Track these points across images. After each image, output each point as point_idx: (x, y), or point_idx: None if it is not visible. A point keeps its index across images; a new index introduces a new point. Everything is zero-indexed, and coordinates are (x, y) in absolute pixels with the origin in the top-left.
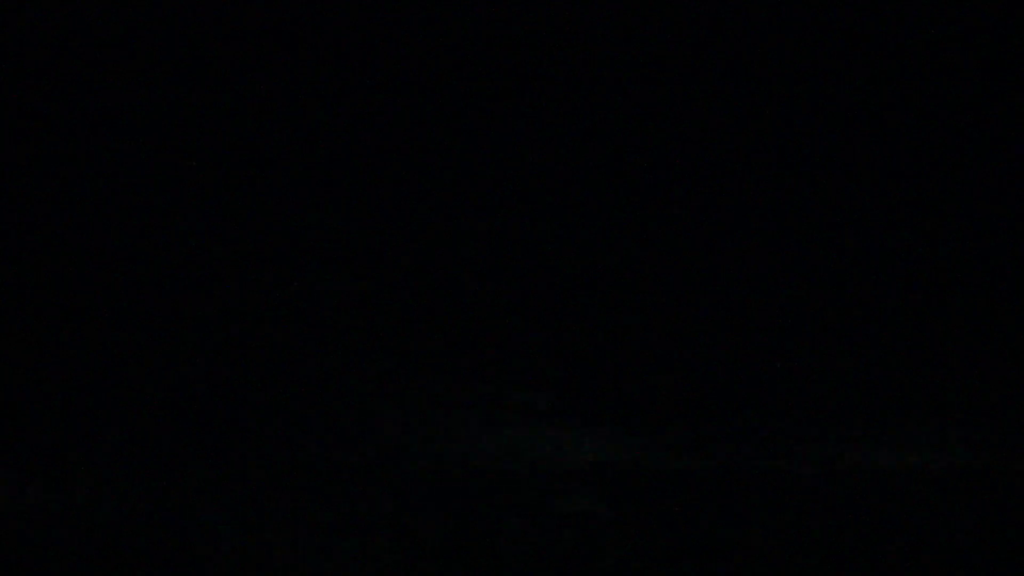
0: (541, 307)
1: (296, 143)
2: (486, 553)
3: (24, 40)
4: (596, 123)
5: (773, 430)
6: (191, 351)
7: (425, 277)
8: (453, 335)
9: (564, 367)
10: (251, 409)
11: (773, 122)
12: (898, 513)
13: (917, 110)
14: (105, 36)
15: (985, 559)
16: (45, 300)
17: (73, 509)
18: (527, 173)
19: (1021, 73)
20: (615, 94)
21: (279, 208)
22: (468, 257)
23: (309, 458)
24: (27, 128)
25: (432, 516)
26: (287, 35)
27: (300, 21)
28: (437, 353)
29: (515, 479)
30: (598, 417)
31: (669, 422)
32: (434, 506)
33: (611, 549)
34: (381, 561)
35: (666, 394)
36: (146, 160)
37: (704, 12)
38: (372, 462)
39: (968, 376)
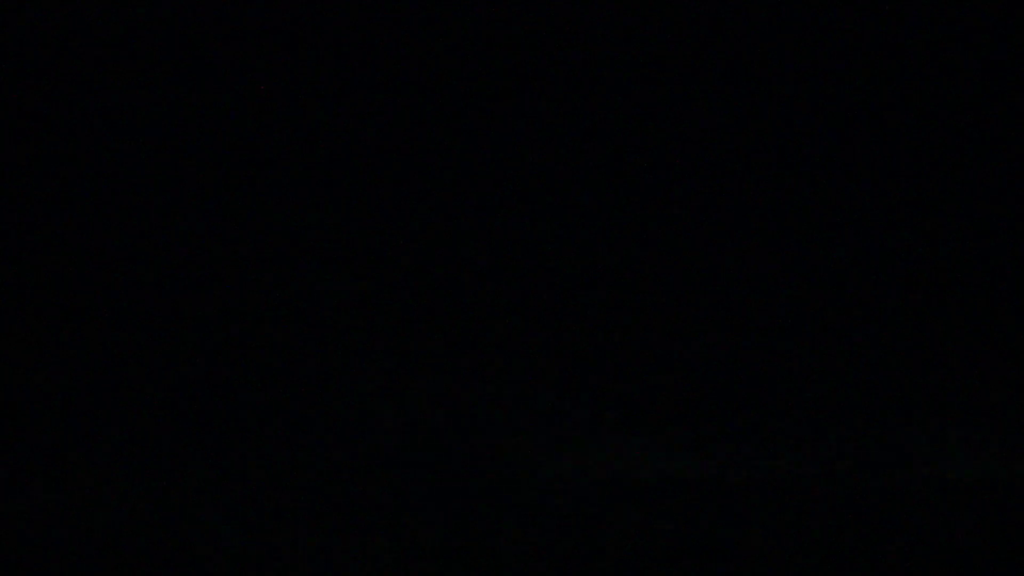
0: (541, 307)
1: (296, 143)
2: (486, 553)
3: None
4: (596, 123)
5: (773, 430)
6: (191, 351)
7: (425, 277)
8: (453, 335)
9: (565, 367)
10: (251, 409)
11: (773, 122)
12: (898, 513)
13: (917, 110)
14: (105, 36)
15: (985, 560)
16: (45, 300)
17: (73, 509)
18: (527, 173)
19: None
20: (615, 94)
21: (279, 208)
22: (468, 257)
23: (309, 458)
24: (27, 128)
25: (432, 516)
26: (287, 35)
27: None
28: (438, 353)
29: (515, 479)
30: (598, 417)
31: (669, 422)
32: (434, 506)
33: (611, 549)
34: (381, 561)
35: (666, 394)
36: (146, 160)
37: (704, 12)
38: (372, 462)
39: (968, 376)
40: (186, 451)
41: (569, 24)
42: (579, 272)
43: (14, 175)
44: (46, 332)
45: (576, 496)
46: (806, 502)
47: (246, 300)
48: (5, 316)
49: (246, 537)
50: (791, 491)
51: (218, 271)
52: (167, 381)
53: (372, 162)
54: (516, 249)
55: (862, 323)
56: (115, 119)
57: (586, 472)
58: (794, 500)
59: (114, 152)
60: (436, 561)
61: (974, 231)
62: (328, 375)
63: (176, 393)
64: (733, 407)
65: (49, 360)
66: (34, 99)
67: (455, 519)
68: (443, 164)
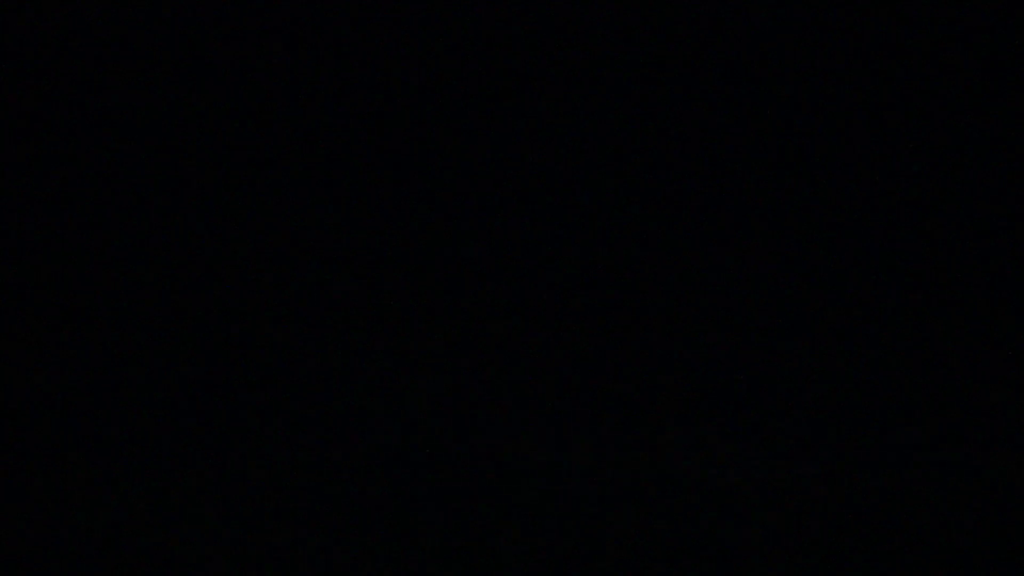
0: (541, 307)
1: (296, 143)
2: (486, 553)
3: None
4: (596, 123)
5: (773, 430)
6: (191, 351)
7: (425, 277)
8: (453, 335)
9: (564, 367)
10: (250, 409)
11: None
12: (898, 513)
13: (917, 110)
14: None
15: (985, 560)
16: (45, 300)
17: (73, 509)
18: (527, 173)
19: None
20: (615, 94)
21: (279, 208)
22: (468, 257)
23: (309, 458)
24: (27, 128)
25: (432, 516)
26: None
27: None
28: (437, 353)
29: (515, 479)
30: (598, 417)
31: (669, 422)
32: (434, 506)
33: (611, 549)
34: (381, 561)
35: (666, 394)
36: (146, 160)
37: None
38: (372, 462)
39: (968, 377)
40: (186, 451)
41: (569, 24)
42: (579, 272)
43: (14, 175)
44: (46, 332)
45: (576, 496)
46: (806, 502)
47: (246, 300)
48: (5, 316)
49: (246, 537)
50: (791, 491)
51: (218, 271)
52: (167, 381)
53: (372, 162)
54: (516, 249)
55: (862, 323)
56: (115, 119)
57: (586, 472)
58: (794, 500)
59: (114, 152)
60: (436, 561)
61: (974, 231)
62: (328, 375)
63: (176, 393)
64: (733, 407)
65: (49, 360)
66: (34, 99)
67: (455, 519)
68: (443, 164)
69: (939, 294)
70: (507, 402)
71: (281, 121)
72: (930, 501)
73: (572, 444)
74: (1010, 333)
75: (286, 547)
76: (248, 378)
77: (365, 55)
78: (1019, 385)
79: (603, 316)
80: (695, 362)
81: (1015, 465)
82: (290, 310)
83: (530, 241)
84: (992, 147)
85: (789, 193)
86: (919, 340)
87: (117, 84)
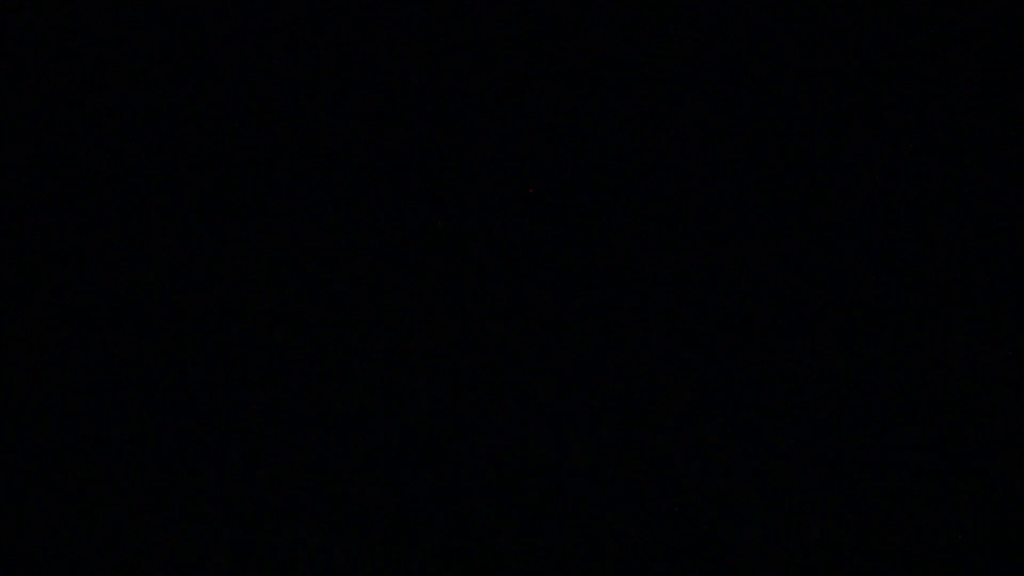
0: (540, 307)
1: (296, 143)
2: (486, 553)
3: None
4: (596, 123)
5: (773, 430)
6: (191, 351)
7: (425, 277)
8: (453, 335)
9: (565, 367)
10: (250, 409)
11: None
12: (898, 513)
13: (917, 110)
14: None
15: (985, 560)
16: (45, 300)
17: (73, 509)
18: (527, 173)
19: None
20: (615, 94)
21: (279, 208)
22: (468, 257)
23: (309, 458)
24: (27, 128)
25: (432, 516)
26: (287, 35)
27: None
28: (437, 353)
29: (515, 479)
30: (598, 417)
31: (669, 422)
32: (434, 506)
33: (611, 549)
34: (381, 561)
35: (666, 394)
36: (146, 160)
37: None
38: (372, 462)
39: (968, 377)
40: (186, 451)
41: (569, 24)
42: (579, 272)
43: (14, 175)
44: (46, 332)
45: (576, 496)
46: (806, 502)
47: (246, 300)
48: (5, 316)
49: (246, 537)
50: (791, 491)
51: (218, 271)
52: (167, 381)
53: (372, 162)
54: (516, 249)
55: (862, 323)
56: (115, 118)
57: (586, 472)
58: (794, 500)
59: (114, 152)
60: (436, 561)
61: (974, 231)
62: (328, 375)
63: (176, 393)
64: (733, 407)
65: (49, 360)
66: (34, 99)
67: (455, 519)
68: (443, 164)
69: (939, 294)
70: (507, 402)
71: (281, 121)
72: (930, 501)
73: (572, 444)
74: (1010, 333)
75: (286, 547)
76: (248, 378)
77: (365, 55)
78: (1019, 385)
79: (603, 316)
80: (695, 362)
81: (1015, 465)
82: (290, 310)
83: (530, 241)
84: (992, 147)
85: (789, 193)
86: (919, 340)
87: (117, 84)
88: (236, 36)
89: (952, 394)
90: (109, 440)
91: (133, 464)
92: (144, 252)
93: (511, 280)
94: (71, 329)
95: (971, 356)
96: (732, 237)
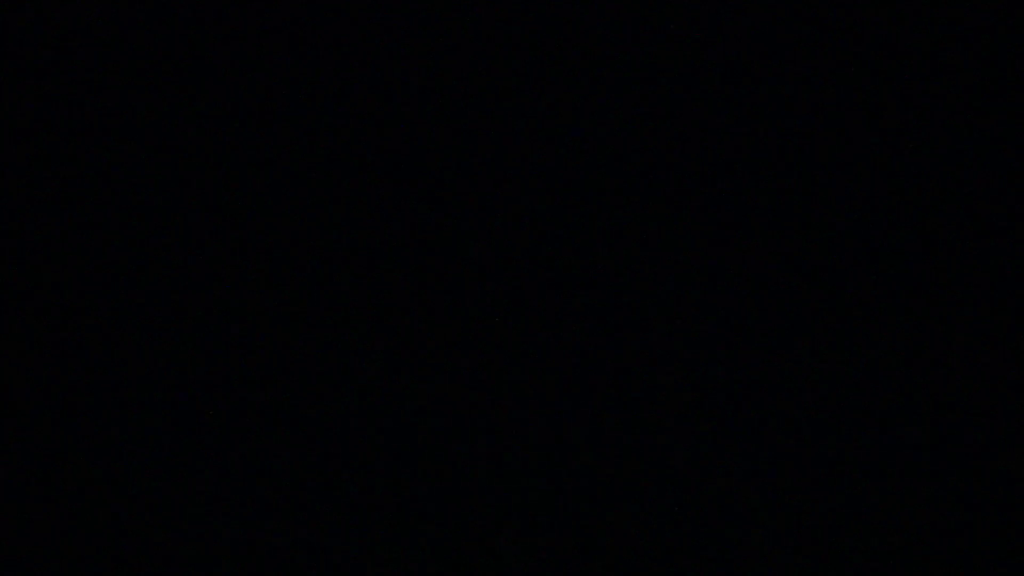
0: (541, 307)
1: (296, 143)
2: (486, 553)
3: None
4: (596, 123)
5: (773, 430)
6: (191, 351)
7: (425, 277)
8: (453, 335)
9: (565, 367)
10: (251, 409)
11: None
12: (898, 513)
13: (917, 110)
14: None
15: (985, 560)
16: (45, 300)
17: (73, 509)
18: (527, 173)
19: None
20: (615, 94)
21: (279, 208)
22: (468, 256)
23: (309, 458)
24: (27, 128)
25: (432, 516)
26: (287, 35)
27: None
28: (437, 353)
29: (515, 479)
30: (598, 417)
31: (669, 422)
32: (434, 506)
33: (611, 549)
34: (381, 561)
35: (666, 394)
36: (146, 160)
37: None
38: (372, 462)
39: (968, 377)
40: (186, 451)
41: (569, 24)
42: (579, 272)
43: (14, 175)
44: (46, 332)
45: (576, 496)
46: (806, 502)
47: (246, 300)
48: (5, 316)
49: (246, 537)
50: (791, 491)
51: (218, 271)
52: (167, 381)
53: (372, 162)
54: (516, 249)
55: (862, 323)
56: (115, 118)
57: (586, 472)
58: (794, 500)
59: (114, 152)
60: (436, 561)
61: (974, 231)
62: (328, 375)
63: (176, 393)
64: (733, 407)
65: (49, 360)
66: (34, 99)
67: (455, 519)
68: (443, 164)
69: (939, 294)
70: (507, 402)
71: (281, 121)
72: (930, 501)
73: (572, 444)
74: (1010, 333)
75: (286, 547)
76: (248, 378)
77: (365, 55)
78: (1019, 385)
79: (603, 316)
80: (695, 362)
81: (1015, 465)
82: (290, 310)
83: (530, 241)
84: (992, 147)
85: (789, 193)
86: (919, 340)
87: (117, 84)
88: (236, 36)
89: (952, 394)
90: (109, 440)
91: (133, 464)
92: (144, 252)
93: (511, 280)
94: (71, 329)
95: (971, 356)
96: (732, 237)
